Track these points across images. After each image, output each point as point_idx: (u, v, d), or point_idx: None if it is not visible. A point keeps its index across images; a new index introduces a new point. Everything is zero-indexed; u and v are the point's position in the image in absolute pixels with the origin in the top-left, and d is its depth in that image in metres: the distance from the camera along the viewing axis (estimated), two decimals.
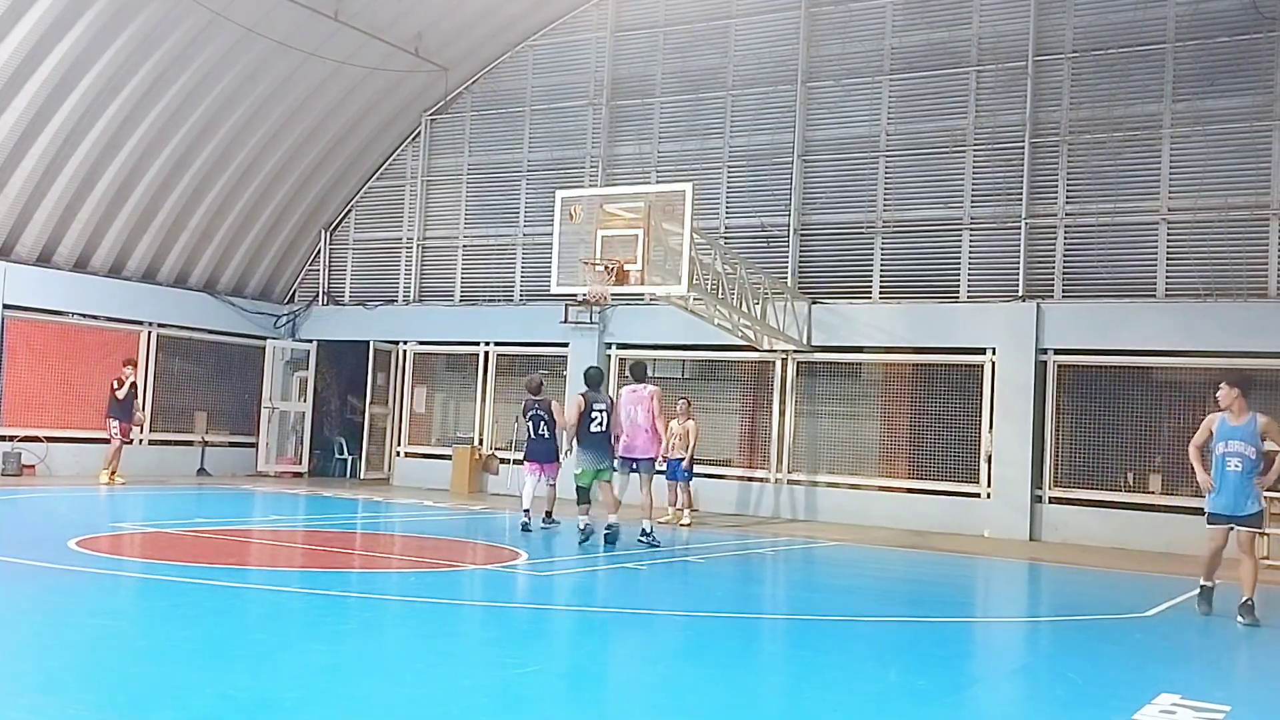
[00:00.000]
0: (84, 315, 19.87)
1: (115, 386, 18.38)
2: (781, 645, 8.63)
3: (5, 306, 18.64)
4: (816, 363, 18.61)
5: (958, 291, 17.89)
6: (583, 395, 13.20)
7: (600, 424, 13.00)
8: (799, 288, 18.70)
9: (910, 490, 17.81)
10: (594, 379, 13.56)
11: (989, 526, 16.87)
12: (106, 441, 18.40)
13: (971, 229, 17.94)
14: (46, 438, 18.87)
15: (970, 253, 17.90)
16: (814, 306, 18.48)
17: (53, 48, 17.31)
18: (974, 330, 17.41)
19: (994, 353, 17.21)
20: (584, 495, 13.03)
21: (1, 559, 10.09)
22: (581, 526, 12.84)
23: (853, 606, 10.50)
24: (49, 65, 17.41)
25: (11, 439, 18.66)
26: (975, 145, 18.01)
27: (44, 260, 19.33)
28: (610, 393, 16.12)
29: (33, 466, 18.65)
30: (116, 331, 20.29)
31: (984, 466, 17.13)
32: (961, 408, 17.55)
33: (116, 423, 18.26)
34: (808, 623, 9.41)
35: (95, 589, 9.03)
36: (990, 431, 17.08)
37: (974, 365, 17.43)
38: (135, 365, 19.52)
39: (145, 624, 7.95)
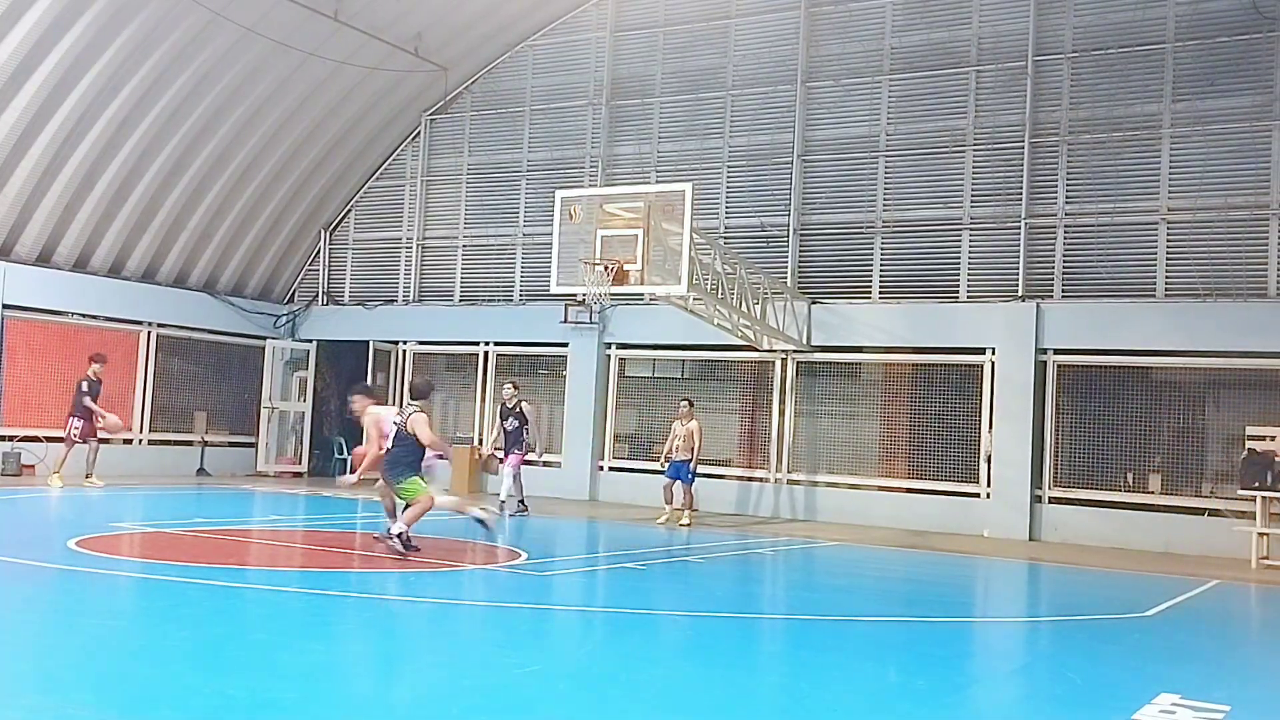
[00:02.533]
0: (84, 315, 19.87)
1: (86, 386, 17.56)
2: (781, 645, 8.63)
3: (5, 306, 18.64)
4: (816, 363, 18.61)
5: (957, 291, 17.89)
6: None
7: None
8: (799, 288, 18.70)
9: (910, 490, 17.81)
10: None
11: (988, 526, 16.87)
12: (105, 441, 18.16)
13: (971, 229, 17.94)
14: (46, 438, 18.85)
15: (970, 253, 17.90)
16: (814, 306, 18.48)
17: (52, 48, 17.30)
18: (974, 330, 17.41)
19: (993, 353, 17.21)
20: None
21: (1, 559, 10.10)
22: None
23: (852, 606, 10.50)
24: (49, 65, 17.40)
25: (11, 439, 18.66)
26: (975, 145, 18.01)
27: (44, 260, 19.33)
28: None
29: (32, 466, 18.63)
30: (116, 331, 20.29)
31: (983, 466, 17.13)
32: (961, 408, 17.56)
33: (82, 422, 17.43)
34: (807, 623, 9.40)
35: (95, 589, 9.03)
36: (990, 431, 17.07)
37: (973, 365, 17.43)
38: (105, 361, 18.27)
39: (144, 624, 7.95)
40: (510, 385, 17.11)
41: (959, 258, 17.96)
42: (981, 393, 17.28)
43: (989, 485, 17.05)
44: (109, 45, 17.80)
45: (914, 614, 10.13)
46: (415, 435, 11.08)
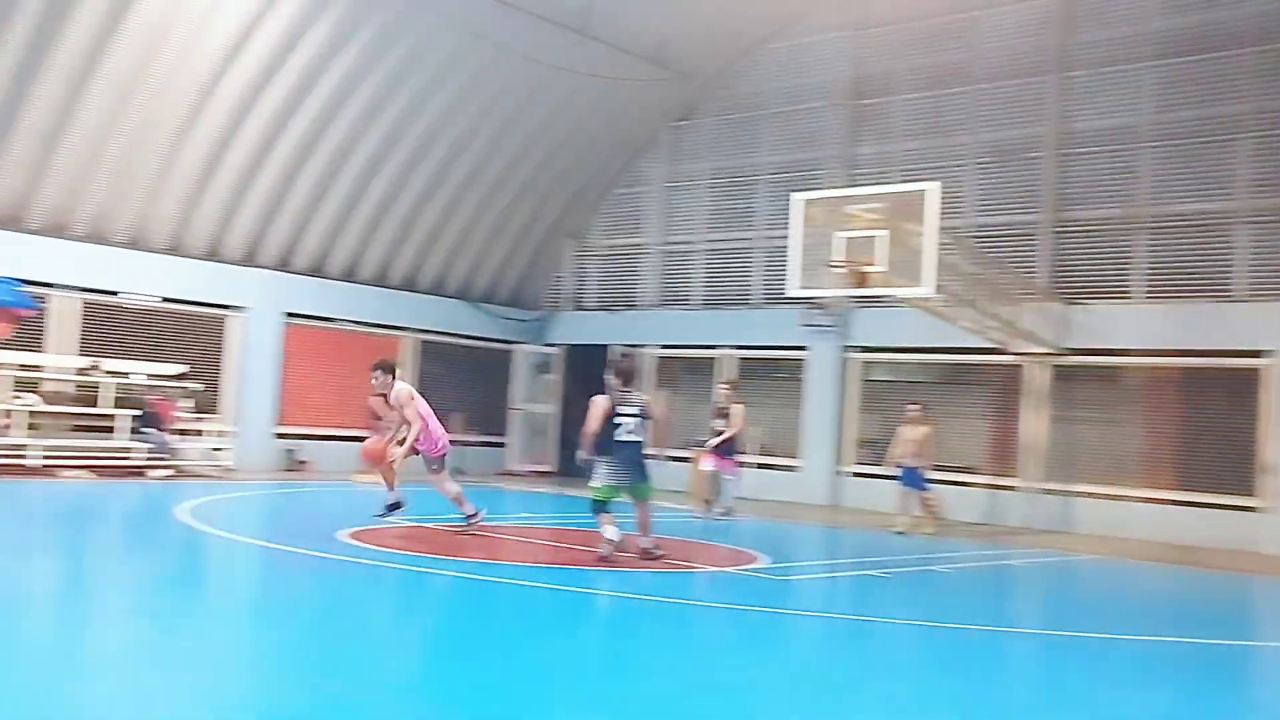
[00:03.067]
0: (352, 322, 21.35)
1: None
2: (1035, 662, 8.20)
3: (286, 315, 20.28)
4: (1072, 366, 17.65)
5: (1231, 290, 16.57)
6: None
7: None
8: (1053, 288, 17.81)
9: (1175, 502, 16.62)
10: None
11: (1270, 543, 15.51)
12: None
13: (1248, 222, 16.58)
14: (319, 435, 20.36)
15: (1246, 248, 16.54)
16: (1069, 308, 17.56)
17: (327, 68, 18.61)
18: (1251, 331, 16.09)
19: (1275, 355, 15.83)
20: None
21: (279, 547, 10.96)
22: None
23: (1114, 624, 9.85)
24: (324, 88, 18.73)
25: (290, 437, 20.24)
26: (1252, 131, 16.63)
27: (317, 271, 20.90)
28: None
29: (308, 462, 20.14)
30: (381, 337, 21.68)
31: (1263, 478, 15.78)
32: (1236, 415, 16.23)
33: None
34: (1065, 640, 8.90)
35: (357, 577, 9.65)
36: (1271, 441, 15.71)
37: (1251, 369, 16.09)
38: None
39: (405, 613, 8.43)
40: (725, 385, 16.94)
41: (1233, 253, 16.63)
42: (1260, 399, 15.93)
43: (1270, 499, 15.68)
44: (374, 70, 19.01)
45: (1186, 634, 9.41)
46: (654, 419, 10.93)
